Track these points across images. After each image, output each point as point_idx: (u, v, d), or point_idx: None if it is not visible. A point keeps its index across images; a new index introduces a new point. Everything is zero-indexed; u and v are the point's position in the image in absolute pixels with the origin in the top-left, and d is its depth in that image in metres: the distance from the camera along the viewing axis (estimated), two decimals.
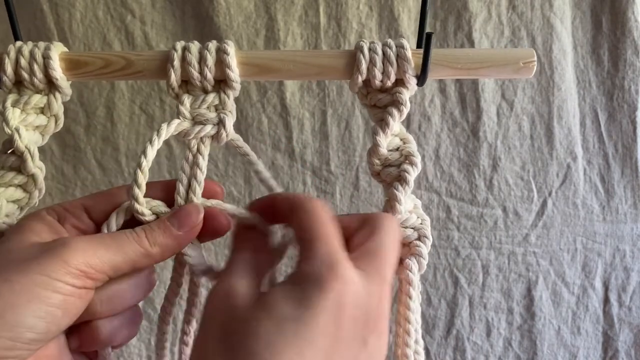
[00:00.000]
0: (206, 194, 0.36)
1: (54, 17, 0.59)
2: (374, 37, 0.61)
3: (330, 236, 0.30)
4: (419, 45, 0.39)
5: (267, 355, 0.26)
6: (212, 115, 0.37)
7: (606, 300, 0.68)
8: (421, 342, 0.37)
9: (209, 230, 0.35)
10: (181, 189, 0.36)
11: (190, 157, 0.36)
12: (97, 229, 0.35)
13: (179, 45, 0.36)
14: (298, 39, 0.61)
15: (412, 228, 0.37)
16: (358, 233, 0.32)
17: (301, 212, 0.31)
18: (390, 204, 0.37)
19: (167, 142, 0.63)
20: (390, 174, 0.37)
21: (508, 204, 0.65)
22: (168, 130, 0.36)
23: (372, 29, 0.61)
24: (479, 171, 0.64)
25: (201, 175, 0.36)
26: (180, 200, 0.35)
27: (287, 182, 0.64)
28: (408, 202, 0.37)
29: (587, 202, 0.65)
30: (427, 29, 0.61)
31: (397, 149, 0.38)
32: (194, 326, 0.39)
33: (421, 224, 0.37)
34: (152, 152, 0.34)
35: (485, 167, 0.64)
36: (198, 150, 0.36)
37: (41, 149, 0.62)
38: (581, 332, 0.68)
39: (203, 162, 0.36)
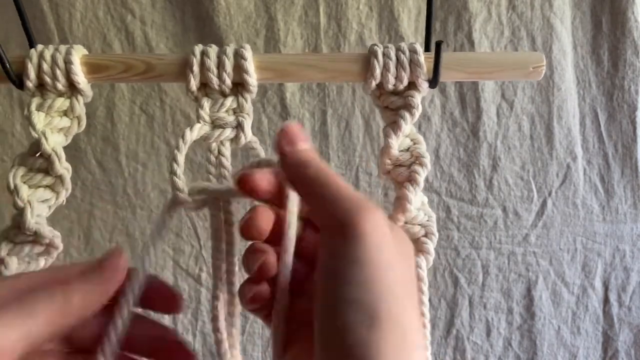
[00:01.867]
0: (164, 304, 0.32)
1: (54, 17, 0.59)
2: (374, 38, 0.61)
3: (346, 186, 0.28)
4: (425, 49, 0.39)
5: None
6: (231, 118, 0.37)
7: (606, 300, 0.68)
8: (429, 336, 0.38)
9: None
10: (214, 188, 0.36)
11: (213, 159, 0.37)
12: None
13: (197, 49, 0.37)
14: (298, 39, 0.61)
15: (419, 225, 0.38)
16: None
17: (308, 174, 0.29)
18: (400, 203, 0.37)
19: (167, 143, 0.63)
20: (401, 174, 0.38)
21: (508, 204, 0.65)
22: (192, 135, 0.36)
23: (372, 29, 0.61)
24: (478, 171, 0.64)
25: (228, 174, 0.37)
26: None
27: None
28: (416, 199, 0.38)
29: (587, 202, 0.65)
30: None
31: (408, 150, 0.39)
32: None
33: (428, 220, 0.38)
34: (181, 158, 0.36)
35: (485, 167, 0.64)
36: (219, 152, 0.38)
37: None
38: (581, 332, 0.68)
39: (227, 162, 0.37)
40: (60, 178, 0.37)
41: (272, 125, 0.63)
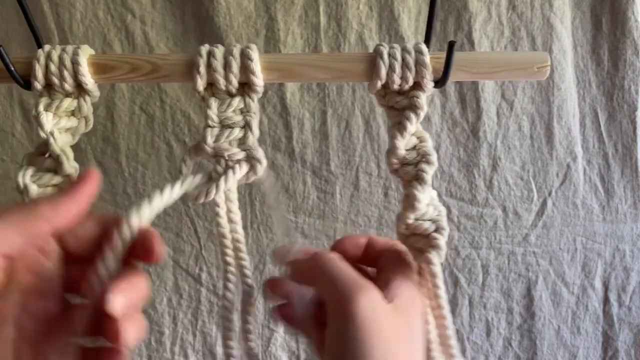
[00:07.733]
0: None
1: (54, 17, 0.59)
2: (374, 38, 0.61)
3: (347, 270, 0.35)
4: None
5: None
6: (239, 118, 0.38)
7: (606, 300, 0.68)
8: (454, 334, 0.38)
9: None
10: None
11: (223, 161, 0.38)
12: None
13: (204, 50, 0.37)
14: (298, 39, 0.61)
15: (430, 220, 0.38)
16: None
17: (316, 268, 0.36)
18: (409, 201, 0.37)
19: (167, 143, 0.63)
20: (408, 173, 0.38)
21: (508, 204, 0.65)
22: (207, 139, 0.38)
23: (372, 29, 0.61)
24: (478, 171, 0.64)
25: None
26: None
27: (287, 182, 0.64)
28: (425, 195, 0.38)
29: (587, 202, 0.65)
30: None
31: (414, 148, 0.39)
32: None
33: (437, 215, 0.38)
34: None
35: (485, 167, 0.64)
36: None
37: None
38: (581, 332, 0.68)
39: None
40: (68, 177, 0.38)
41: (272, 125, 0.63)
